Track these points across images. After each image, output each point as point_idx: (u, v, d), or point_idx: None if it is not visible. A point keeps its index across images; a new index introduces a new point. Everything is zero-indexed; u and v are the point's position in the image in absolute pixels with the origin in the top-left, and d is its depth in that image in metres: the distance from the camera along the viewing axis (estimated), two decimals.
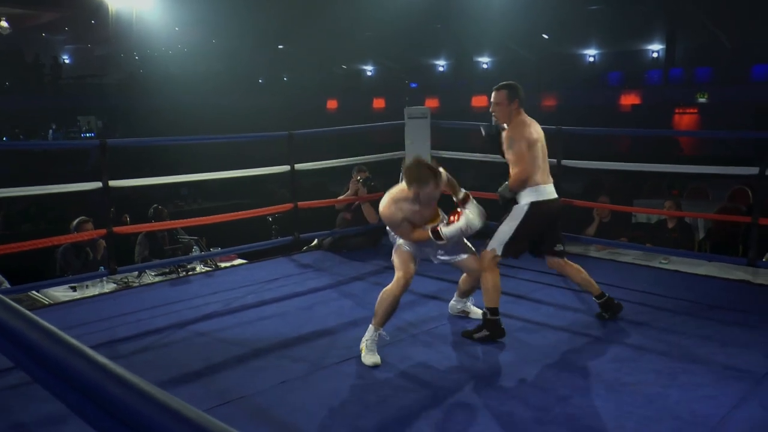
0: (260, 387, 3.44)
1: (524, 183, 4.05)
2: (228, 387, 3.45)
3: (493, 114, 4.20)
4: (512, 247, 4.13)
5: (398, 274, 3.82)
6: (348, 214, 6.52)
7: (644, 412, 3.11)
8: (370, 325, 3.79)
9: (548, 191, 4.15)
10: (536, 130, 4.15)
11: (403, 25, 23.93)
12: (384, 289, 3.83)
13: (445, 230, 3.81)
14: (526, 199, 4.08)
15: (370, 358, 3.72)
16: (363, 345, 3.77)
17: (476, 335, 4.05)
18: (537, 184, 4.08)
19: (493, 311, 4.04)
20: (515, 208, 4.11)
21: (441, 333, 4.24)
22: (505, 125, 4.18)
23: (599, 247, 6.34)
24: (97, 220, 5.85)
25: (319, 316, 4.53)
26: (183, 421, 0.93)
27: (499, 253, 4.12)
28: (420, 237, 3.83)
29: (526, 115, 4.18)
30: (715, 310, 4.63)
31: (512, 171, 4.04)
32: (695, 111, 21.27)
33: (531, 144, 4.04)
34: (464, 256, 4.11)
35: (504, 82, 4.23)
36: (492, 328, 4.03)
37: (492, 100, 4.18)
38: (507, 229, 4.11)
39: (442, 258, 4.10)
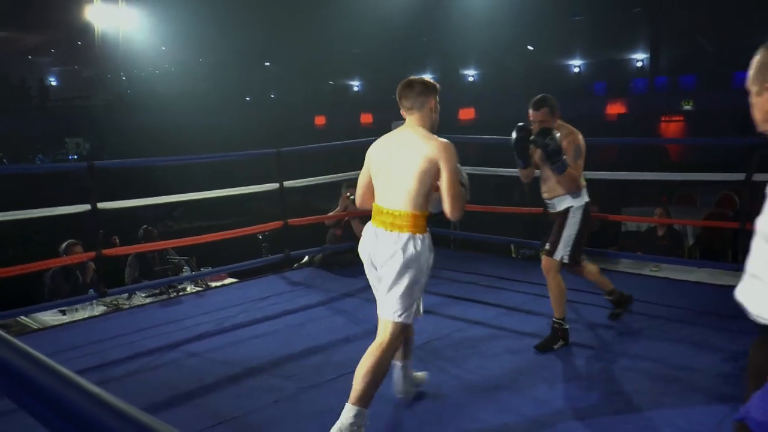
0: (253, 406, 3.42)
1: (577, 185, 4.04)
2: (221, 407, 3.42)
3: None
4: (578, 251, 4.14)
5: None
6: (338, 230, 6.52)
7: (640, 422, 3.11)
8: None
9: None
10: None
11: (389, 39, 24.08)
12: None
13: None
14: (580, 201, 4.08)
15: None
16: None
17: (555, 346, 4.07)
18: (583, 186, 4.10)
19: (563, 320, 4.12)
20: (571, 212, 4.06)
21: (434, 347, 4.23)
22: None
23: (590, 256, 6.36)
24: (86, 242, 5.82)
25: (312, 334, 4.50)
26: None
27: (567, 260, 4.10)
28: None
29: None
30: (707, 316, 4.64)
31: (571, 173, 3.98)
32: (681, 119, 21.45)
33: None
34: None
35: (538, 98, 4.14)
36: (565, 336, 4.11)
37: (534, 118, 4.09)
38: (571, 233, 4.08)
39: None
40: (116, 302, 5.51)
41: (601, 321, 4.59)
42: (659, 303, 4.91)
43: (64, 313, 5.29)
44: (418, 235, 2.89)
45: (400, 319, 2.92)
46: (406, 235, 2.87)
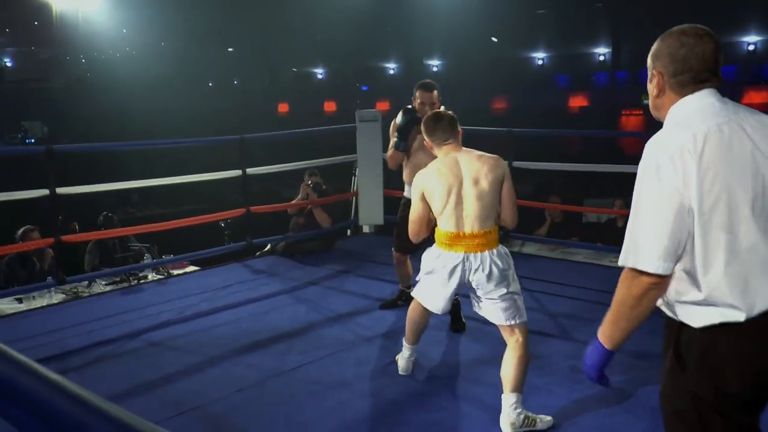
0: (216, 396, 3.40)
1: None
2: (183, 397, 3.40)
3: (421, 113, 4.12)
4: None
5: None
6: (301, 218, 6.49)
7: (600, 406, 3.18)
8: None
9: None
10: None
11: (353, 28, 23.98)
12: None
13: None
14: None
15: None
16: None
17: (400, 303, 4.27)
18: None
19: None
20: None
21: (397, 337, 4.24)
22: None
23: (551, 246, 6.45)
24: (44, 228, 5.70)
25: (274, 322, 4.49)
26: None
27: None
28: None
29: None
30: None
31: None
32: (641, 113, 21.81)
33: None
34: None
35: (428, 81, 4.27)
36: (408, 297, 4.00)
37: (426, 100, 4.21)
38: None
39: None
40: (75, 290, 5.41)
41: (560, 310, 4.66)
42: None
43: (20, 301, 5.18)
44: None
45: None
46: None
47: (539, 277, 5.47)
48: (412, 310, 3.49)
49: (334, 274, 5.65)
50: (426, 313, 3.41)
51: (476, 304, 3.14)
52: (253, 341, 4.14)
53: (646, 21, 21.37)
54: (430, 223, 3.18)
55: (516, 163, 6.05)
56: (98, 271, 5.96)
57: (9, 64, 35.57)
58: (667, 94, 1.80)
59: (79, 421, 0.96)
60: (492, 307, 3.06)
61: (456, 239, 3.03)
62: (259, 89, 31.31)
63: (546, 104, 22.35)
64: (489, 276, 2.99)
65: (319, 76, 34.76)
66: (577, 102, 22.93)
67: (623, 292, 1.80)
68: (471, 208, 3.02)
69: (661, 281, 1.71)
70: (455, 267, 3.03)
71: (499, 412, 3.11)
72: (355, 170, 6.62)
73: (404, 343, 3.60)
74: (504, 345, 3.15)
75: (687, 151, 1.64)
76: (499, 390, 3.39)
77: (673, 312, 1.78)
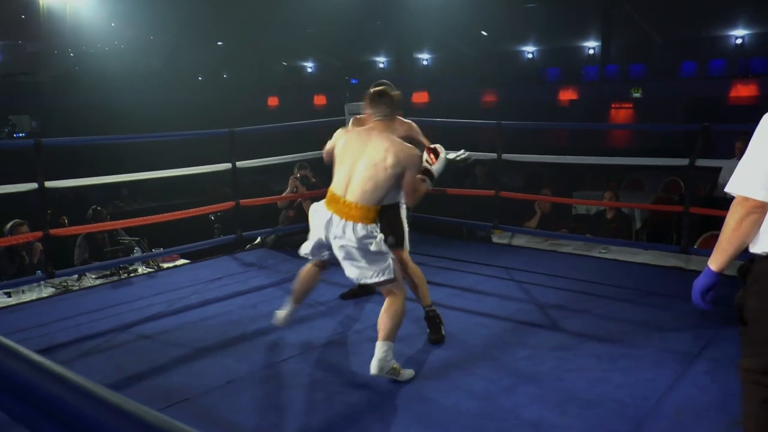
0: (206, 388, 3.41)
1: None
2: (173, 389, 3.40)
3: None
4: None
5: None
6: (291, 211, 6.49)
7: (586, 396, 3.20)
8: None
9: None
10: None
11: (343, 21, 23.91)
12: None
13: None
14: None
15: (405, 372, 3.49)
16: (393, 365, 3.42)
17: (444, 332, 4.00)
18: None
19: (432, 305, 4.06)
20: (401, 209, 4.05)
21: None
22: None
23: (541, 238, 6.48)
24: (33, 222, 5.67)
25: (264, 315, 4.48)
26: (135, 421, 0.91)
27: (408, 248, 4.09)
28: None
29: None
30: (651, 296, 4.80)
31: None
32: (630, 106, 21.86)
33: None
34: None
35: (383, 82, 4.16)
36: (439, 317, 4.04)
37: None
38: (406, 227, 4.08)
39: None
40: (65, 284, 5.40)
41: (549, 301, 4.69)
42: (607, 283, 5.05)
43: (9, 295, 5.16)
44: None
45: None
46: None
47: (529, 269, 5.50)
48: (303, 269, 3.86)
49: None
50: (312, 272, 3.81)
51: (345, 268, 3.43)
52: (242, 333, 4.15)
53: (636, 15, 21.45)
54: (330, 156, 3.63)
55: (505, 156, 6.08)
56: (88, 264, 5.94)
57: None
58: None
59: (72, 406, 0.96)
60: (352, 267, 3.37)
61: (332, 200, 3.39)
62: (248, 83, 31.16)
63: (535, 97, 22.36)
64: (346, 243, 3.32)
65: (309, 70, 34.63)
66: (567, 95, 22.94)
67: (729, 217, 2.13)
68: (357, 180, 3.34)
69: (762, 206, 2.05)
70: (322, 222, 3.40)
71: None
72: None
73: (290, 300, 3.90)
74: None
75: None
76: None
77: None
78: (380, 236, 3.38)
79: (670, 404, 3.12)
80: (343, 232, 3.32)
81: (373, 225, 3.38)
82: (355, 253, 3.33)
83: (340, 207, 3.35)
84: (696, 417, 3.01)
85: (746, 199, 2.06)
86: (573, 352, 3.78)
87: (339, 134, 3.63)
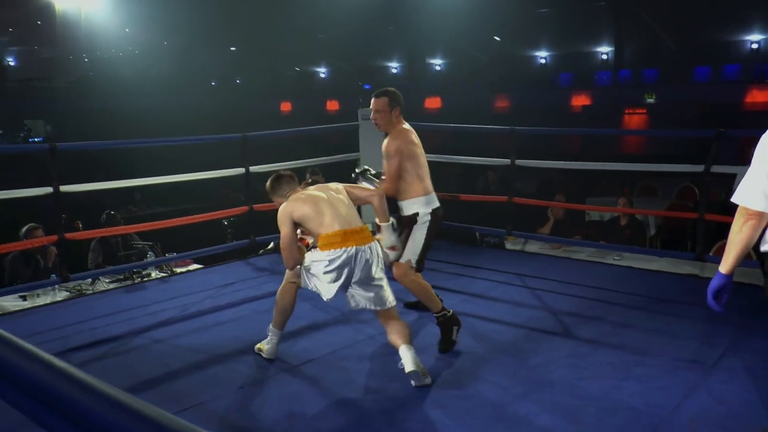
0: (218, 392, 3.41)
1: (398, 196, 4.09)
2: (185, 393, 3.41)
3: (373, 121, 4.13)
4: (424, 258, 4.09)
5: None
6: None
7: (600, 405, 3.18)
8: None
9: (436, 199, 4.17)
10: (416, 138, 4.15)
11: (355, 26, 23.97)
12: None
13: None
14: (426, 208, 4.05)
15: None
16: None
17: (455, 337, 3.92)
18: (429, 192, 4.09)
19: (442, 311, 3.96)
20: (420, 218, 4.03)
21: None
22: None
23: (554, 245, 6.45)
24: (48, 226, 5.71)
25: None
26: (149, 422, 0.91)
27: (414, 264, 4.03)
28: None
29: (405, 123, 4.16)
30: (666, 303, 4.76)
31: (386, 185, 4.05)
32: (644, 111, 21.76)
33: (411, 155, 4.04)
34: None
35: (383, 89, 4.14)
36: (454, 321, 3.93)
37: (372, 107, 4.09)
38: (419, 239, 4.03)
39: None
40: (79, 288, 5.43)
41: (562, 308, 4.66)
42: (621, 291, 5.02)
43: (24, 298, 5.20)
44: None
45: None
46: None
47: (542, 275, 5.48)
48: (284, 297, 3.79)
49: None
50: (293, 291, 3.79)
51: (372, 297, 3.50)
52: (255, 339, 4.13)
53: (649, 19, 21.37)
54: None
55: (519, 162, 6.06)
56: (102, 268, 5.97)
57: (12, 64, 35.62)
58: None
59: (87, 408, 0.97)
60: (381, 291, 3.49)
61: (347, 235, 3.47)
62: (261, 88, 31.29)
63: (548, 103, 22.31)
64: (379, 261, 3.52)
65: (322, 75, 34.74)
66: (580, 101, 22.86)
67: (734, 223, 2.43)
68: (344, 210, 3.57)
69: (758, 215, 2.36)
70: (345, 260, 3.45)
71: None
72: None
73: (273, 328, 3.81)
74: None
75: None
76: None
77: None
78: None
79: (685, 413, 3.09)
80: (371, 253, 3.44)
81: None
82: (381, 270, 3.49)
83: (357, 236, 3.44)
84: (712, 427, 2.97)
85: (745, 208, 2.38)
86: (586, 359, 3.76)
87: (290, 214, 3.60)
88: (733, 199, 2.43)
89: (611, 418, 3.05)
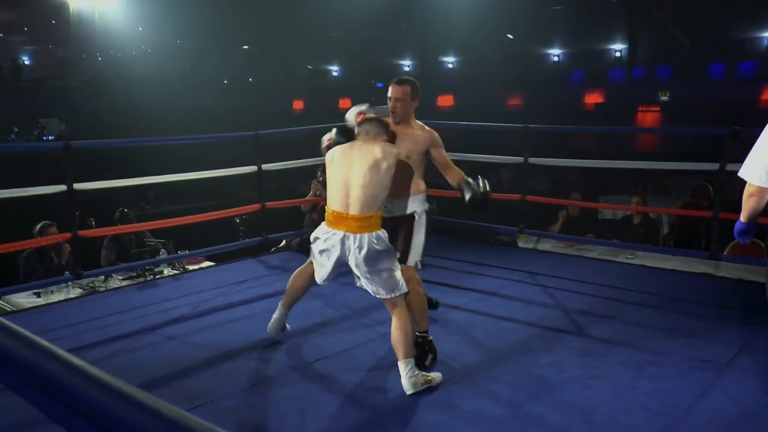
0: (230, 390, 3.42)
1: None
2: (198, 391, 3.41)
3: (391, 109, 3.80)
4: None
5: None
6: (315, 214, 6.50)
7: (613, 404, 3.16)
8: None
9: None
10: None
11: (368, 25, 23.97)
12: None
13: None
14: (423, 206, 3.87)
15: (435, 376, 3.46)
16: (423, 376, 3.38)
17: (427, 363, 3.65)
18: (425, 189, 3.93)
19: (427, 333, 3.75)
20: (418, 217, 3.83)
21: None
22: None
23: (567, 243, 6.42)
24: (62, 224, 5.75)
25: (289, 318, 4.48)
26: (164, 421, 0.91)
27: (420, 266, 3.81)
28: None
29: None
30: (680, 302, 4.72)
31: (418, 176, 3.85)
32: (658, 109, 21.64)
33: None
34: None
35: (405, 77, 3.88)
36: (432, 349, 3.73)
37: (392, 94, 3.78)
38: (420, 239, 3.82)
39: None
40: (92, 285, 5.47)
41: (574, 306, 4.64)
42: (634, 289, 4.99)
43: (38, 295, 5.24)
44: None
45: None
46: None
47: (554, 274, 5.45)
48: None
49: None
50: (308, 272, 3.77)
51: (365, 284, 3.41)
52: (267, 336, 4.14)
53: (662, 17, 21.22)
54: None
55: (532, 160, 6.04)
56: (115, 266, 6.01)
57: (27, 63, 35.90)
58: None
59: (104, 406, 0.97)
60: (371, 284, 3.37)
61: (339, 218, 3.38)
62: (274, 86, 31.36)
63: (561, 101, 22.22)
64: (366, 256, 3.30)
65: (334, 74, 34.78)
66: (593, 98, 22.76)
67: (744, 191, 2.72)
68: (356, 192, 3.34)
69: (760, 189, 2.65)
70: (335, 242, 3.37)
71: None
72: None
73: (281, 306, 3.95)
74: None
75: None
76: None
77: None
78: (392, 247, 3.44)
79: (699, 414, 3.06)
80: (360, 245, 3.30)
81: (384, 231, 3.40)
82: (374, 262, 3.32)
83: (350, 223, 3.33)
84: (727, 428, 2.95)
85: (749, 183, 2.67)
86: (599, 358, 3.73)
87: (330, 153, 3.58)
88: (740, 174, 2.71)
89: (624, 418, 3.03)
